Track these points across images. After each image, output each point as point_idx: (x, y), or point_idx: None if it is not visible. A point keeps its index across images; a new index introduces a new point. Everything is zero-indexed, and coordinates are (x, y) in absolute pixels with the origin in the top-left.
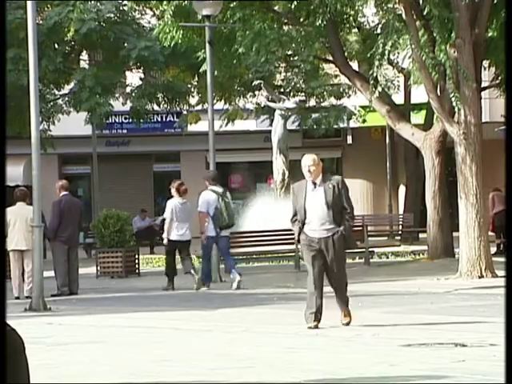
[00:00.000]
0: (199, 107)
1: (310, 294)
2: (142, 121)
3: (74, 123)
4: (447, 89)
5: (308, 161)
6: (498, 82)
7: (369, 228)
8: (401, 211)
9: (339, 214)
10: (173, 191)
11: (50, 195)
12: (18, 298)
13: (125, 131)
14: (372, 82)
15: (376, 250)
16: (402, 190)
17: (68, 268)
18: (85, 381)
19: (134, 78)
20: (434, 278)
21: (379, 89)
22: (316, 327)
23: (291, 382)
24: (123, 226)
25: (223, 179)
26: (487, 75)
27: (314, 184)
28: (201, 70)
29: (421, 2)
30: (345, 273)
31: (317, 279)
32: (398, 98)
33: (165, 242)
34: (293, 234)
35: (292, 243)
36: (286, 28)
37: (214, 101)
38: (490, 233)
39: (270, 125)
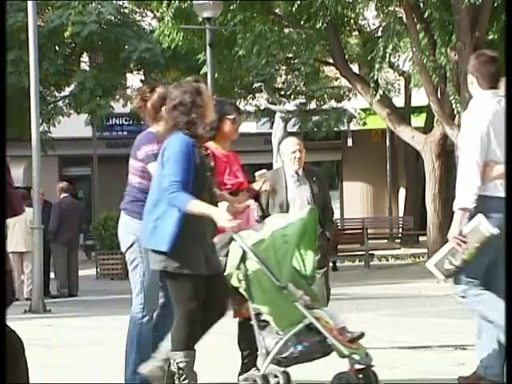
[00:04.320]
0: None
1: None
2: (142, 123)
3: (74, 125)
4: (447, 92)
5: (294, 145)
6: None
7: (369, 230)
8: (401, 214)
9: (322, 213)
10: None
11: (50, 197)
12: (17, 299)
13: (125, 133)
14: (372, 84)
15: (376, 252)
16: (402, 192)
17: (68, 270)
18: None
19: (134, 79)
20: (434, 281)
21: (380, 92)
22: None
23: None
24: None
25: None
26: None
27: (297, 175)
28: (201, 73)
29: (421, 5)
30: (328, 287)
31: None
32: (399, 101)
33: None
34: None
35: None
36: (286, 31)
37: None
38: None
39: (271, 127)
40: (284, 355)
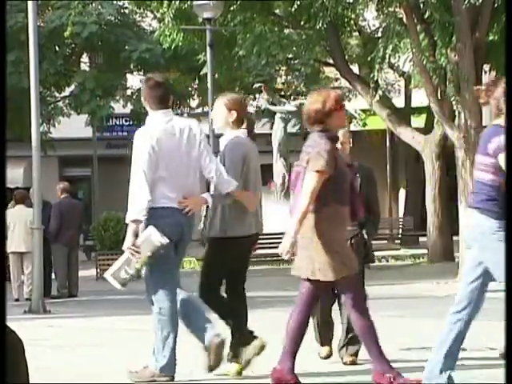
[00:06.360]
0: (200, 110)
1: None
2: (142, 123)
3: (74, 125)
4: (448, 92)
5: (340, 136)
6: None
7: None
8: (401, 214)
9: (366, 214)
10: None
11: (50, 197)
12: (17, 300)
13: (125, 134)
14: (372, 85)
15: (376, 253)
16: (402, 193)
17: (68, 270)
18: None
19: (134, 80)
20: (434, 282)
21: (380, 92)
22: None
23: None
24: (123, 228)
25: None
26: (488, 79)
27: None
28: (201, 73)
29: (422, 5)
30: None
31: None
32: (399, 102)
33: None
34: None
35: None
36: (286, 31)
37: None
38: None
39: (271, 128)
40: None
